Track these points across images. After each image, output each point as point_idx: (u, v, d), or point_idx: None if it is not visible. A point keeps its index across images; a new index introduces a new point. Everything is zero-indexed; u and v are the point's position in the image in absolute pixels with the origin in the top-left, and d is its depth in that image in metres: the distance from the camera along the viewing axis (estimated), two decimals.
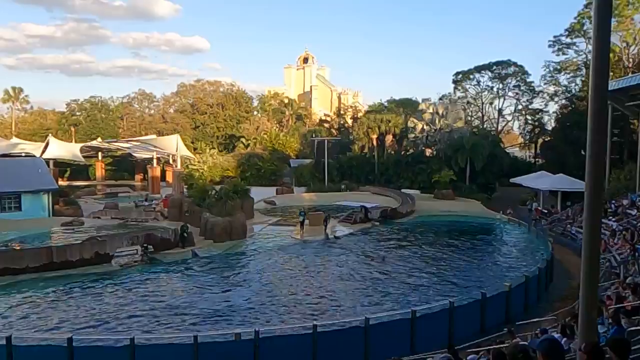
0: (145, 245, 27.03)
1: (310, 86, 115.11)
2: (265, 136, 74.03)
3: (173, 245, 28.60)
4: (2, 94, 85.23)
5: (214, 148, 76.06)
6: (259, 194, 46.50)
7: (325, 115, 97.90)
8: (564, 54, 58.75)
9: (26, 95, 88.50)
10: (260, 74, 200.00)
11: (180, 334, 15.74)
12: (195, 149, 75.02)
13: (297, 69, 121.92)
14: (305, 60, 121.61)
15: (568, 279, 23.06)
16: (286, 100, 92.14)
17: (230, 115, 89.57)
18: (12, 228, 34.49)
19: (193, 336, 13.63)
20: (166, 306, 19.53)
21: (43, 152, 61.23)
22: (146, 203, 47.90)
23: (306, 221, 35.97)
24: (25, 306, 19.52)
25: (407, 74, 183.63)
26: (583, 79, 55.56)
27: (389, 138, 60.63)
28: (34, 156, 56.31)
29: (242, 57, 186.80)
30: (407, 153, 58.54)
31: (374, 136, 59.83)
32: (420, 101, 69.54)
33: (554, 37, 57.97)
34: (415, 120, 58.82)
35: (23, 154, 61.28)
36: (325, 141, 59.33)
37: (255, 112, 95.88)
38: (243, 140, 77.93)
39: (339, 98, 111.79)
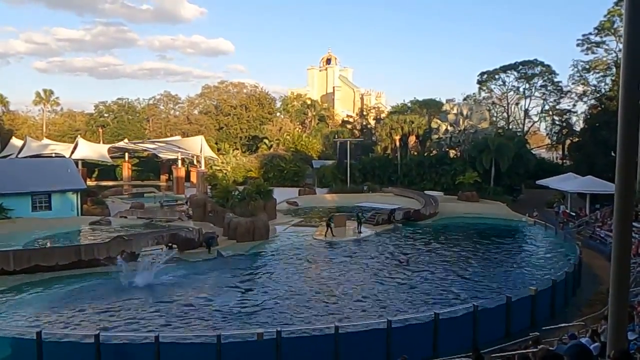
0: (169, 244, 27.46)
1: (333, 87, 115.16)
2: (288, 137, 74.28)
3: (197, 245, 28.95)
4: (33, 96, 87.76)
5: (237, 149, 76.67)
6: (282, 194, 46.66)
7: (347, 116, 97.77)
8: (593, 52, 57.38)
9: (56, 98, 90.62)
10: (283, 75, 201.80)
11: (204, 333, 15.89)
12: (219, 149, 75.67)
13: (320, 70, 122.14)
14: (328, 61, 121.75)
15: (598, 284, 22.52)
16: (309, 102, 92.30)
17: (254, 116, 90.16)
18: (42, 227, 35.35)
19: (216, 335, 13.76)
20: (189, 305, 19.74)
21: (72, 152, 62.67)
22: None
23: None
24: (54, 302, 20.03)
25: (431, 74, 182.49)
26: (613, 78, 54.07)
27: (412, 139, 59.93)
28: (64, 157, 57.74)
29: (266, 59, 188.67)
30: (431, 154, 57.88)
31: (397, 137, 59.33)
32: (444, 102, 68.73)
33: (583, 35, 56.74)
34: (439, 121, 58.17)
35: (53, 155, 62.90)
36: (348, 142, 59.14)
37: (278, 114, 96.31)
38: (266, 141, 78.39)
39: (362, 99, 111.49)
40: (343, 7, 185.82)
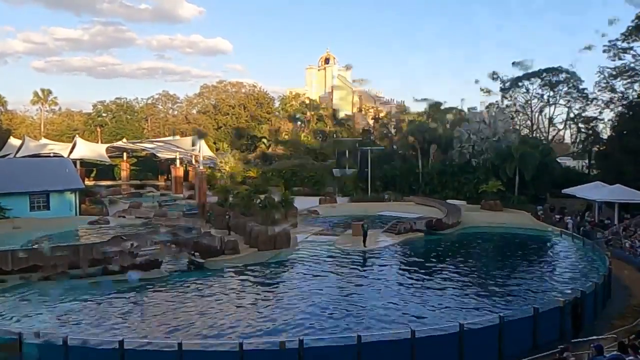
0: (192, 252, 27.80)
1: (331, 87, 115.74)
2: (287, 137, 74.63)
3: (219, 252, 29.20)
4: (31, 95, 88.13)
5: (236, 149, 77.03)
6: (302, 203, 46.84)
7: (346, 115, 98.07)
8: (620, 59, 57.27)
9: (54, 97, 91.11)
10: (281, 75, 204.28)
11: (226, 341, 16.17)
12: (217, 149, 75.80)
13: (319, 70, 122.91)
14: (327, 60, 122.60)
15: (628, 296, 22.46)
16: (307, 101, 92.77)
17: (252, 116, 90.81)
18: (40, 226, 35.71)
19: (238, 343, 13.93)
20: (210, 312, 19.93)
21: (70, 152, 62.89)
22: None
23: (349, 231, 36.38)
24: (52, 302, 20.56)
25: (436, 75, 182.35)
26: None
27: (433, 147, 59.92)
28: (62, 156, 57.81)
29: (264, 59, 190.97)
30: (453, 162, 57.71)
31: (418, 146, 59.25)
32: (466, 110, 68.59)
33: (609, 41, 56.64)
34: (461, 130, 57.97)
35: (51, 154, 62.95)
36: (369, 151, 59.22)
37: (276, 113, 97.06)
38: (264, 141, 78.76)
39: (360, 98, 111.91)
40: (342, 6, 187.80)
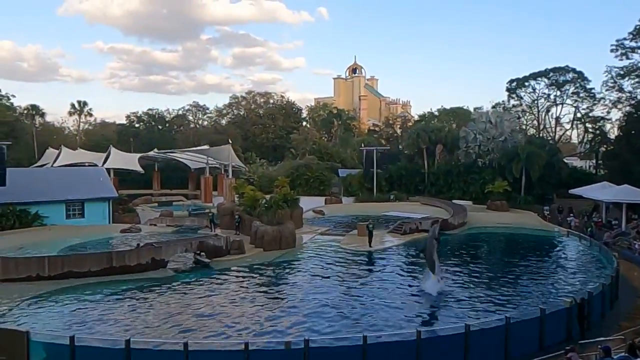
0: (198, 251, 27.74)
1: (359, 96, 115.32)
2: (315, 147, 74.43)
3: (225, 252, 29.12)
4: (69, 107, 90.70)
5: (264, 158, 77.22)
6: (308, 203, 46.64)
7: (373, 125, 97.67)
8: (628, 58, 55.81)
9: (90, 109, 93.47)
10: (309, 84, 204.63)
11: (231, 341, 15.93)
12: (245, 158, 76.29)
13: (346, 80, 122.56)
14: (354, 70, 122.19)
15: (636, 297, 21.63)
16: (335, 111, 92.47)
17: (280, 126, 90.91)
18: (75, 234, 36.20)
19: (244, 343, 13.67)
20: (215, 312, 19.81)
21: (104, 162, 63.83)
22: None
23: (355, 231, 35.97)
24: (86, 308, 20.43)
25: (459, 83, 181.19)
26: None
27: (439, 147, 59.31)
28: (97, 166, 59.09)
29: (292, 68, 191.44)
30: (459, 163, 57.11)
31: (424, 146, 58.79)
32: (472, 110, 67.83)
33: (617, 40, 55.27)
34: (467, 130, 57.37)
35: (86, 164, 64.33)
36: (374, 151, 58.88)
37: (304, 123, 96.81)
38: (292, 150, 78.74)
39: (388, 108, 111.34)
40: (371, 17, 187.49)
